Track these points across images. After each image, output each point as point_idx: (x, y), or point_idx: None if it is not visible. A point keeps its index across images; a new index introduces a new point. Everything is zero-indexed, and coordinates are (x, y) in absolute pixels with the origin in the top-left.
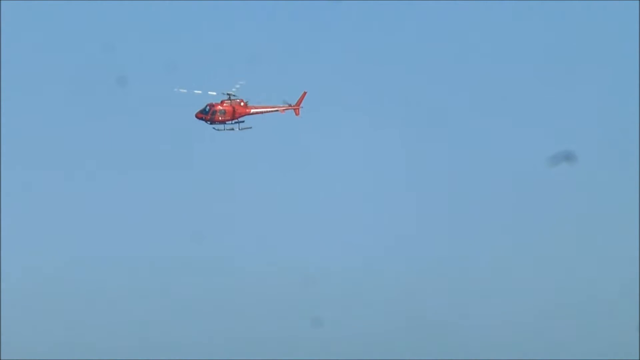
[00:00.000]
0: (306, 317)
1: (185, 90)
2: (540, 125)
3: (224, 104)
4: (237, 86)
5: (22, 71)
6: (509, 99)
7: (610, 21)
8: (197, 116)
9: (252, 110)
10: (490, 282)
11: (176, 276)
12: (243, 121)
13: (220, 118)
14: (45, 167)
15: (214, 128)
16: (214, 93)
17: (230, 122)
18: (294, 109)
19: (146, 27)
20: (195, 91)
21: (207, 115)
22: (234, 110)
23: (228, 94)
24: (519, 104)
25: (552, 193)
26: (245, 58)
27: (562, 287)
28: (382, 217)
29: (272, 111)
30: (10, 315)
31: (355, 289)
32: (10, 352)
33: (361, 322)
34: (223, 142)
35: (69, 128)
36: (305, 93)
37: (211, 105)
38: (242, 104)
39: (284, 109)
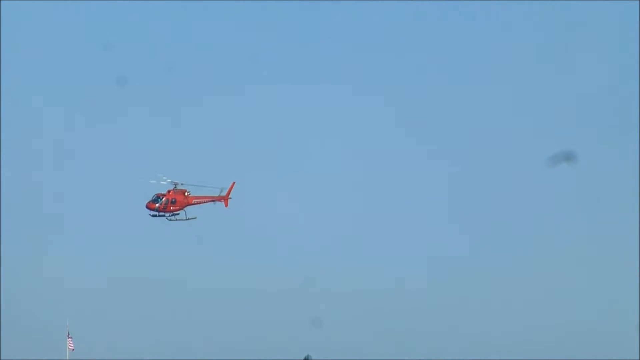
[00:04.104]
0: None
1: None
2: (540, 125)
3: (171, 194)
4: (177, 182)
5: (22, 71)
6: (509, 99)
7: (610, 21)
8: (148, 206)
9: (194, 201)
10: (490, 281)
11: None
12: (179, 213)
13: (171, 208)
14: (45, 168)
15: (167, 218)
16: (157, 181)
17: (177, 211)
18: (224, 200)
19: (146, 27)
20: (151, 181)
21: (160, 204)
22: (182, 201)
23: (174, 183)
24: (518, 104)
25: (552, 193)
26: (245, 58)
27: (562, 287)
28: (381, 219)
29: (209, 201)
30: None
31: (355, 289)
32: (10, 352)
33: (361, 322)
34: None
35: (69, 127)
36: (233, 183)
37: (162, 195)
38: (185, 194)
39: (219, 199)
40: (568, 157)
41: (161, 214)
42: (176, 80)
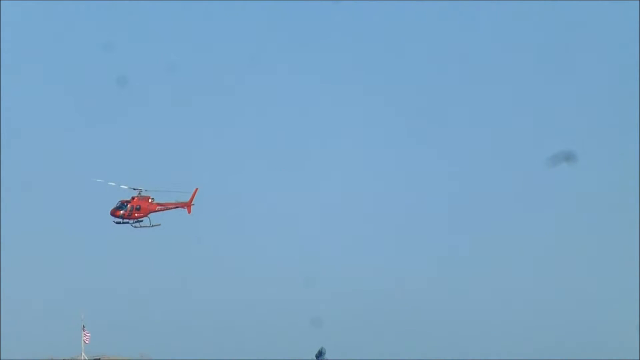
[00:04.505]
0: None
1: (101, 180)
2: (540, 125)
3: (136, 200)
4: (140, 188)
5: (22, 71)
6: (509, 99)
7: (610, 21)
8: (113, 213)
9: (158, 208)
10: (490, 281)
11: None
12: (142, 220)
13: (135, 215)
14: (45, 168)
15: (131, 225)
16: (125, 187)
17: (142, 218)
18: (187, 207)
19: (146, 27)
20: (110, 183)
21: (126, 211)
22: (146, 207)
23: (138, 190)
24: (518, 104)
25: (552, 193)
26: (245, 58)
27: (562, 287)
28: (382, 217)
29: (174, 208)
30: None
31: (355, 288)
32: (10, 352)
33: (361, 322)
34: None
35: (68, 127)
36: (196, 190)
37: (126, 202)
38: (149, 200)
39: (182, 205)
40: (568, 157)
41: (125, 221)
42: (176, 80)
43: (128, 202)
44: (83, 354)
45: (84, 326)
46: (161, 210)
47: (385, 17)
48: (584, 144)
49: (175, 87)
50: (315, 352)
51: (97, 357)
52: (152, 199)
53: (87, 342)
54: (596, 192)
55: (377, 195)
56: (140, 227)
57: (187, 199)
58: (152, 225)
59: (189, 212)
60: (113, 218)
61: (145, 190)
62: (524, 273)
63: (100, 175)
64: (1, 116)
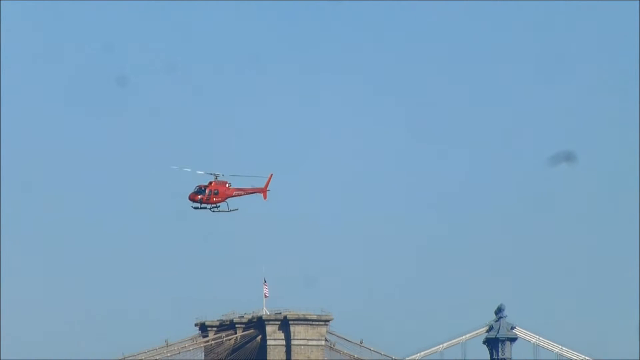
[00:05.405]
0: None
1: (176, 167)
2: (541, 125)
3: (214, 185)
4: (218, 173)
5: (22, 71)
6: (509, 99)
7: (610, 21)
8: (192, 198)
9: (235, 193)
10: (489, 281)
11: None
12: (219, 205)
13: (214, 199)
14: (45, 168)
15: (209, 209)
16: (202, 172)
17: (219, 203)
18: (263, 192)
19: (146, 27)
20: (185, 169)
21: (204, 196)
22: (223, 192)
23: (215, 175)
24: (518, 104)
25: (552, 193)
26: (245, 58)
27: (561, 287)
28: (382, 219)
29: (250, 193)
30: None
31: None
32: (10, 352)
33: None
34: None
35: (69, 128)
36: (271, 175)
37: (204, 187)
38: (227, 185)
39: (259, 191)
40: (568, 157)
41: (203, 205)
42: (176, 80)
43: (206, 186)
44: (265, 308)
45: (265, 280)
46: (238, 195)
47: (385, 17)
48: (584, 144)
49: (174, 87)
50: (495, 308)
51: (279, 312)
52: (229, 183)
53: (267, 295)
54: (596, 192)
55: (378, 194)
56: (219, 211)
57: (262, 184)
58: (230, 210)
59: (265, 197)
60: (191, 203)
61: (222, 175)
62: (524, 273)
63: (101, 173)
64: (1, 116)
